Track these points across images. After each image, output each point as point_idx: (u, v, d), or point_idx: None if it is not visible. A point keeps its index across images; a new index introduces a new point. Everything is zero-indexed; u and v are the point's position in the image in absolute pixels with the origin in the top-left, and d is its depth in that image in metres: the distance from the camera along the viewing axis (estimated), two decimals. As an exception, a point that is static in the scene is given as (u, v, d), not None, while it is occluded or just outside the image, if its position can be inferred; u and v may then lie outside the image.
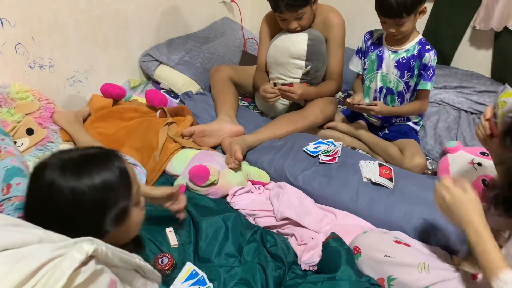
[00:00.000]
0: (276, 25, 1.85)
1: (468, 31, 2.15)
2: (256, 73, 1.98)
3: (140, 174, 1.40)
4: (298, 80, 1.83)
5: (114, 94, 1.73)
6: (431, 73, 1.60)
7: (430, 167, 1.66)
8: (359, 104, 1.65)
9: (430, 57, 1.58)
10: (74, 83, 1.85)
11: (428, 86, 1.61)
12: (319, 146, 1.57)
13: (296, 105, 1.88)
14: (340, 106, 1.99)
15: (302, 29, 1.76)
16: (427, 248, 1.21)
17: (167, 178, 1.49)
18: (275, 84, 1.72)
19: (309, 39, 1.75)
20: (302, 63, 1.78)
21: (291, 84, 1.71)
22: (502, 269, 0.86)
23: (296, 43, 1.76)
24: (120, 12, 1.95)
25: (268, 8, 1.77)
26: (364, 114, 1.82)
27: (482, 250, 0.90)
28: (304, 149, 1.56)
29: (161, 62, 2.12)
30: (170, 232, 1.22)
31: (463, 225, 0.96)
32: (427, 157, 1.71)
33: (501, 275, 0.85)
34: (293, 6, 1.65)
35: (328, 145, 1.57)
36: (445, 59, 2.23)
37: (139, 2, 2.02)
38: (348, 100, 1.69)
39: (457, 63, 2.23)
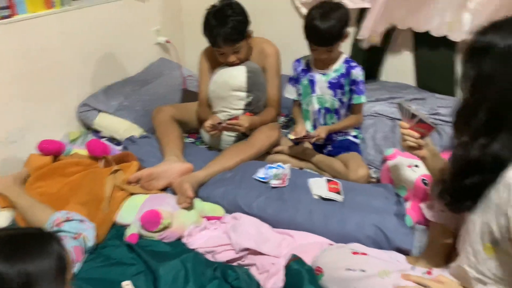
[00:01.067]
0: (214, 60, 1.91)
1: (390, 46, 2.31)
2: (199, 108, 2.00)
3: (88, 229, 1.35)
4: (242, 111, 1.87)
5: (52, 151, 1.68)
6: (362, 87, 1.70)
7: (374, 176, 1.74)
8: (304, 137, 1.71)
9: (358, 73, 1.68)
10: (9, 144, 1.77)
11: (362, 99, 1.72)
12: (268, 171, 1.60)
13: (242, 135, 1.92)
14: (284, 131, 2.05)
15: (240, 62, 1.83)
16: (383, 254, 1.25)
17: (118, 230, 1.44)
18: (220, 123, 1.74)
19: (247, 71, 1.81)
20: (244, 94, 1.84)
21: (236, 117, 1.74)
22: None
23: (235, 76, 1.82)
24: (53, 65, 1.91)
25: (204, 44, 1.82)
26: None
27: None
28: (253, 177, 1.58)
29: (100, 110, 2.08)
30: (127, 286, 1.18)
31: None
32: (370, 166, 1.78)
33: None
34: (230, 41, 1.73)
35: (277, 168, 1.61)
36: (373, 74, 2.38)
37: (71, 53, 2.00)
38: (291, 136, 1.75)
39: (385, 76, 2.39)
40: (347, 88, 1.72)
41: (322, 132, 1.71)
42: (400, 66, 2.35)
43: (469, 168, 0.95)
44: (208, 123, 1.75)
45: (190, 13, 2.73)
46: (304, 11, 2.35)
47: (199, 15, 2.68)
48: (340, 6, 1.62)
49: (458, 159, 0.98)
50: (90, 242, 1.32)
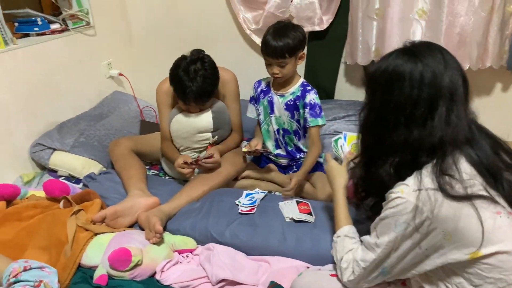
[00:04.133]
0: (173, 94, 1.84)
1: (342, 66, 2.41)
2: (163, 143, 1.92)
3: (49, 275, 1.27)
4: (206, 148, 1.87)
5: (6, 195, 1.57)
6: (318, 110, 1.72)
7: (341, 194, 1.77)
8: (255, 151, 1.73)
9: (311, 96, 1.72)
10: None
11: (319, 121, 1.72)
12: (251, 196, 1.60)
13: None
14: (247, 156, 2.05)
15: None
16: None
17: (84, 272, 1.37)
18: (196, 161, 1.70)
19: (212, 112, 1.79)
20: (209, 135, 1.82)
21: (211, 156, 1.71)
22: (341, 227, 1.18)
23: (201, 119, 1.79)
24: (-1, 106, 1.82)
25: (159, 77, 1.78)
26: (271, 157, 1.90)
27: (334, 210, 1.24)
28: (239, 212, 1.54)
29: (54, 149, 1.99)
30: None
31: (331, 189, 1.28)
32: (336, 184, 1.82)
33: (338, 231, 1.18)
34: (200, 101, 1.70)
35: (258, 193, 1.62)
36: (328, 94, 2.46)
37: (17, 91, 1.91)
38: (244, 149, 1.76)
39: (340, 95, 2.48)
40: (302, 111, 1.75)
41: (295, 179, 1.66)
42: (352, 85, 2.46)
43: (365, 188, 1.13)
44: (180, 162, 1.70)
45: (141, 44, 2.73)
46: (255, 37, 2.42)
47: (150, 45, 2.70)
48: (297, 26, 1.68)
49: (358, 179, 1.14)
50: (54, 289, 1.24)
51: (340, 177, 1.27)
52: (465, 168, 0.92)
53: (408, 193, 0.92)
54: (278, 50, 1.61)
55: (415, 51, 0.96)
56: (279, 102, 1.79)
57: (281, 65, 1.65)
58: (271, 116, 1.83)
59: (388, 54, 0.99)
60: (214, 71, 1.73)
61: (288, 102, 1.77)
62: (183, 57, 1.72)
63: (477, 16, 1.91)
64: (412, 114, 0.93)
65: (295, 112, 1.77)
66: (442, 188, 0.89)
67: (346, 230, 1.16)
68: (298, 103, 1.75)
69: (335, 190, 1.26)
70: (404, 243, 0.95)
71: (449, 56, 0.95)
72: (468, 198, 0.88)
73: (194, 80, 1.65)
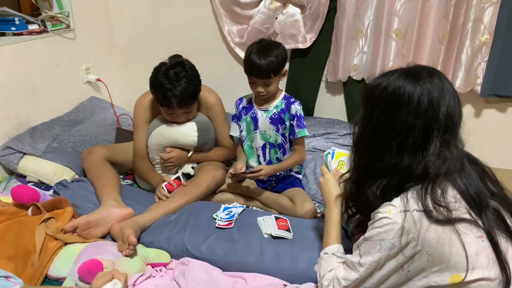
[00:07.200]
0: (152, 110, 1.83)
1: (322, 84, 2.45)
2: (138, 162, 1.86)
3: (14, 286, 1.20)
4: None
5: (-30, 200, 1.49)
6: (303, 120, 1.77)
7: (319, 211, 1.78)
8: (244, 173, 1.72)
9: (296, 108, 1.75)
10: None
11: (306, 132, 1.77)
12: (229, 210, 1.57)
13: (185, 176, 1.86)
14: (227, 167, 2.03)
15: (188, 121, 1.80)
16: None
17: (51, 283, 1.31)
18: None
19: (198, 130, 1.78)
20: (191, 150, 1.83)
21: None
22: (330, 244, 1.16)
23: (186, 136, 1.78)
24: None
25: (138, 85, 1.75)
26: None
27: (326, 226, 1.21)
28: (216, 226, 1.50)
29: (25, 153, 1.91)
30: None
31: (324, 201, 1.26)
32: (313, 201, 1.82)
33: (327, 247, 1.16)
34: (184, 104, 1.68)
35: (236, 207, 1.59)
36: (308, 111, 2.48)
37: (-10, 92, 1.84)
38: (231, 171, 1.75)
39: (319, 113, 2.51)
40: (287, 122, 1.77)
41: (265, 169, 1.72)
42: (332, 103, 2.50)
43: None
44: (161, 190, 1.70)
45: (122, 51, 2.69)
46: (238, 50, 2.43)
47: (131, 53, 2.67)
48: (278, 43, 1.70)
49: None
50: (19, 302, 1.17)
51: (336, 192, 1.23)
52: (450, 192, 0.94)
53: (395, 214, 0.92)
54: (264, 70, 1.62)
55: (416, 74, 0.95)
56: (263, 117, 1.79)
57: (266, 84, 1.66)
58: (256, 132, 1.83)
59: (390, 72, 0.99)
60: (195, 72, 1.73)
61: (273, 116, 1.78)
62: (162, 63, 1.71)
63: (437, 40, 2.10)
64: (405, 141, 0.93)
65: (280, 125, 1.78)
66: (427, 211, 0.90)
67: (335, 248, 1.15)
68: (283, 116, 1.77)
69: (330, 204, 1.23)
70: (387, 264, 0.95)
71: (447, 82, 0.96)
72: (451, 222, 0.89)
73: (175, 82, 1.64)
